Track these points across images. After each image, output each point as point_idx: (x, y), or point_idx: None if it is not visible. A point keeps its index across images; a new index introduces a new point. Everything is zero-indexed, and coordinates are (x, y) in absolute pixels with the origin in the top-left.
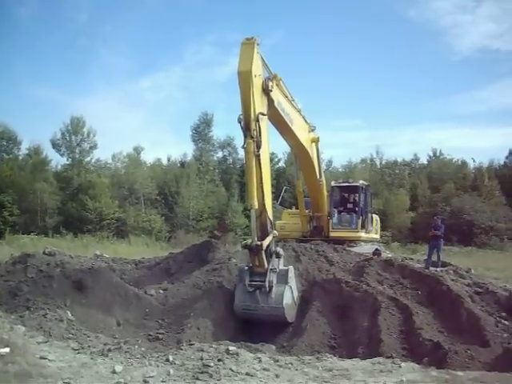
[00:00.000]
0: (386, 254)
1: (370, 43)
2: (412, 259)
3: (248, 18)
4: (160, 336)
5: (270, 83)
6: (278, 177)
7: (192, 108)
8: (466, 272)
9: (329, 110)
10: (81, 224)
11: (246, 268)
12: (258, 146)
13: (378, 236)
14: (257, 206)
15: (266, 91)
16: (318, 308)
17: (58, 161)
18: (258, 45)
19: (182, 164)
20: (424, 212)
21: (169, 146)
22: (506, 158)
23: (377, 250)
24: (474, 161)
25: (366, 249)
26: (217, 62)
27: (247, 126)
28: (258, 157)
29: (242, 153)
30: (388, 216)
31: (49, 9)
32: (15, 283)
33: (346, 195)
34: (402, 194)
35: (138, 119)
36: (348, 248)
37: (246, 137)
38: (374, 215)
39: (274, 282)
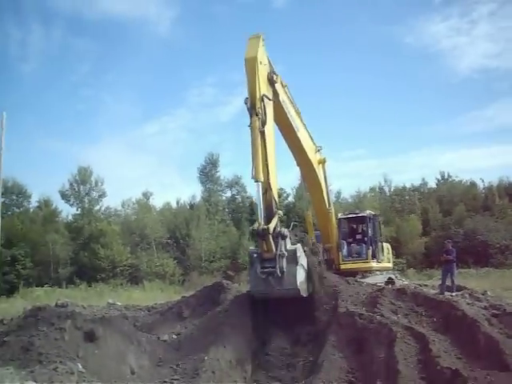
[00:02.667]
0: (402, 281)
1: (371, 72)
2: (426, 285)
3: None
4: (175, 382)
5: (275, 76)
6: (288, 212)
7: (199, 149)
8: (482, 294)
9: (334, 141)
10: (94, 273)
11: (256, 255)
12: (263, 123)
13: (390, 264)
14: (262, 179)
15: (270, 81)
16: (333, 343)
17: (68, 211)
18: (263, 40)
19: (191, 206)
20: (437, 236)
21: (177, 189)
22: None
23: (390, 278)
24: (482, 181)
25: (379, 278)
26: (219, 102)
27: (253, 104)
28: (262, 133)
29: (250, 191)
30: (401, 243)
31: (51, 63)
32: (27, 338)
33: (355, 226)
34: (414, 220)
35: (146, 164)
36: (360, 279)
37: (251, 115)
38: (385, 244)
39: (284, 265)
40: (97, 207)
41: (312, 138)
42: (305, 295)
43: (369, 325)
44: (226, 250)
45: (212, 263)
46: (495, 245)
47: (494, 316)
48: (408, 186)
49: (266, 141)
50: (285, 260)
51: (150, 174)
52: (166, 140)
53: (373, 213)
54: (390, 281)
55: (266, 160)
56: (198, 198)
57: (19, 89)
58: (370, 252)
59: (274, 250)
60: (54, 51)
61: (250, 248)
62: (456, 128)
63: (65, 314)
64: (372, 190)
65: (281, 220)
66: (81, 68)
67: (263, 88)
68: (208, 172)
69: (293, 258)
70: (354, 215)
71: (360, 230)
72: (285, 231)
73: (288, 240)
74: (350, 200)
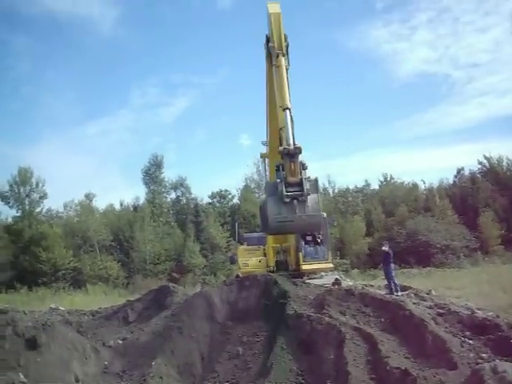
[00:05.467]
0: (347, 282)
1: (314, 75)
2: (372, 286)
3: (189, 59)
4: None
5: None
6: (233, 213)
7: (142, 151)
8: (427, 294)
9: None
10: (35, 277)
11: (279, 180)
12: (289, 63)
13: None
14: (290, 106)
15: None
16: (282, 345)
17: (7, 213)
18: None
19: (135, 208)
20: (380, 237)
21: (121, 191)
22: (455, 176)
23: (336, 279)
24: (424, 182)
25: (326, 279)
26: (162, 103)
27: (279, 46)
28: (287, 71)
29: (195, 192)
30: (345, 244)
31: None
32: None
33: None
34: (358, 221)
35: (88, 166)
36: (308, 280)
37: (277, 56)
38: None
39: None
40: (38, 209)
41: None
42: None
43: (317, 326)
44: (170, 252)
45: (157, 265)
46: (436, 245)
47: (439, 315)
48: (351, 187)
49: (289, 79)
50: (308, 185)
51: (92, 175)
52: (107, 141)
53: (325, 214)
54: (336, 282)
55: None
56: (142, 200)
57: None
58: (329, 253)
59: (300, 174)
60: None
61: (267, 181)
62: (397, 131)
63: (4, 320)
64: None
65: (226, 222)
66: (20, 65)
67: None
68: (152, 173)
69: (314, 185)
70: None
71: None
72: (304, 161)
73: (307, 171)
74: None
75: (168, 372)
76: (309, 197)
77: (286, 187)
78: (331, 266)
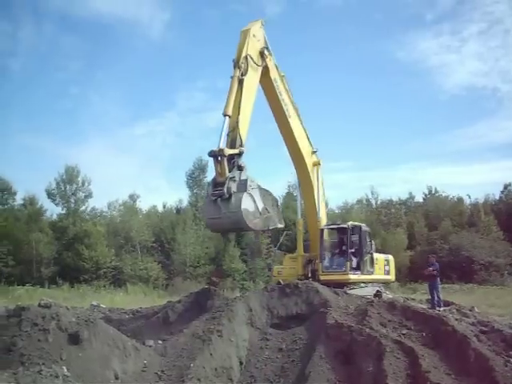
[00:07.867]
0: (387, 294)
1: (360, 84)
2: (414, 299)
3: None
4: None
5: (267, 52)
6: None
7: (186, 154)
8: (470, 311)
9: (320, 152)
10: (77, 273)
11: (210, 180)
12: (242, 74)
13: (389, 276)
14: (230, 113)
15: (261, 55)
16: (321, 354)
17: (53, 210)
18: (262, 24)
19: (178, 210)
20: (422, 250)
21: (164, 193)
22: (501, 192)
23: (378, 291)
24: (469, 197)
25: (367, 291)
26: (208, 108)
27: (237, 59)
28: (241, 82)
29: None
30: None
31: (40, 59)
32: (9, 338)
33: (341, 237)
34: (400, 233)
35: (133, 166)
36: (349, 291)
37: (234, 68)
38: (382, 255)
39: (234, 190)
40: (83, 207)
41: (308, 138)
42: (253, 227)
43: (358, 337)
44: (210, 256)
45: (196, 268)
46: (479, 261)
47: (482, 332)
48: (395, 199)
49: (243, 89)
50: (235, 185)
51: (137, 176)
52: (153, 143)
53: (356, 224)
54: (377, 293)
55: (240, 103)
56: (185, 203)
57: (6, 84)
58: (348, 264)
59: (227, 173)
60: (44, 47)
61: (207, 182)
62: (443, 144)
63: (49, 314)
64: (359, 202)
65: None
66: (70, 66)
67: (251, 52)
68: (196, 177)
69: (243, 185)
70: (336, 226)
71: (345, 241)
72: (243, 163)
73: (244, 172)
74: (336, 211)
75: (206, 374)
76: (234, 195)
77: (214, 186)
78: (349, 277)
